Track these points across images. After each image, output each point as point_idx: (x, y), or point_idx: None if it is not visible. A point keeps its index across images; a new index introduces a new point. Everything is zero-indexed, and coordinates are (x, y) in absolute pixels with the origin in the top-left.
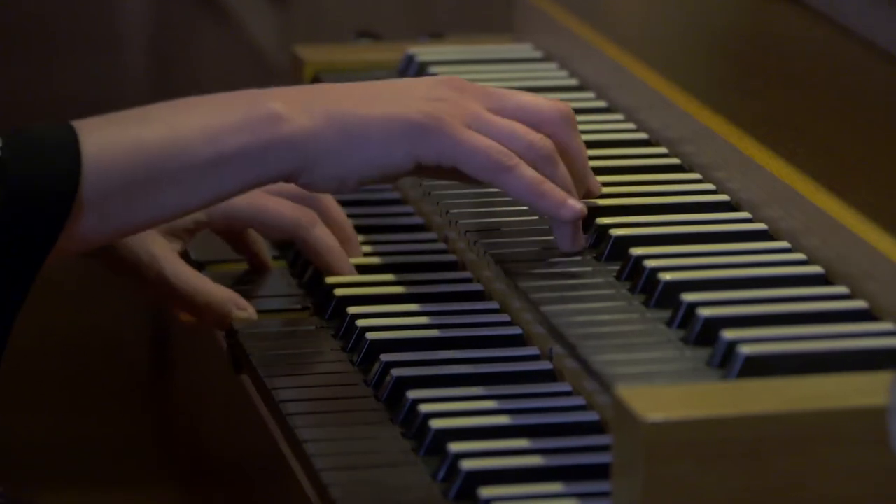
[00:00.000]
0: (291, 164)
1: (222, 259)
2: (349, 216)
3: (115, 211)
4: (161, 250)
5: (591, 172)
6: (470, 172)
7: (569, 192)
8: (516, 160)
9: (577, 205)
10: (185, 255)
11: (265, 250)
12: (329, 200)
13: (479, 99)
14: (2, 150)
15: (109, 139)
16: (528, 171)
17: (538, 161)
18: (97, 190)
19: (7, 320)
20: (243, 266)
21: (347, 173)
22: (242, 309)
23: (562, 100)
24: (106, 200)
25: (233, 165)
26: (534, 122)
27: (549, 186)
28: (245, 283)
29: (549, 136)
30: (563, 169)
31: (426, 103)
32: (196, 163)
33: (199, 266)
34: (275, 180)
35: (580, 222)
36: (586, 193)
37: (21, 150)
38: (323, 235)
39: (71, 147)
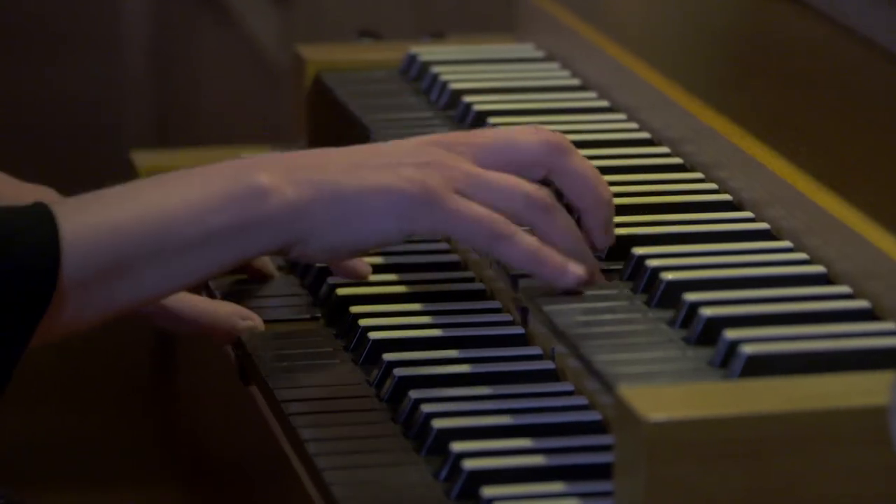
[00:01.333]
0: (279, 240)
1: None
2: None
3: (95, 297)
4: None
5: (604, 190)
6: (466, 243)
7: (573, 239)
8: (512, 229)
9: (576, 270)
10: None
11: (268, 261)
12: None
13: (467, 153)
14: None
15: (87, 221)
16: (526, 239)
17: (536, 213)
18: (77, 275)
19: None
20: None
21: (339, 246)
22: (247, 318)
23: (563, 100)
24: (86, 286)
25: (217, 244)
26: (526, 163)
27: (547, 253)
28: (248, 288)
29: (546, 173)
30: (563, 217)
31: (415, 171)
32: (180, 243)
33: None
34: (264, 254)
35: (591, 272)
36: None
37: None
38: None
39: (49, 231)
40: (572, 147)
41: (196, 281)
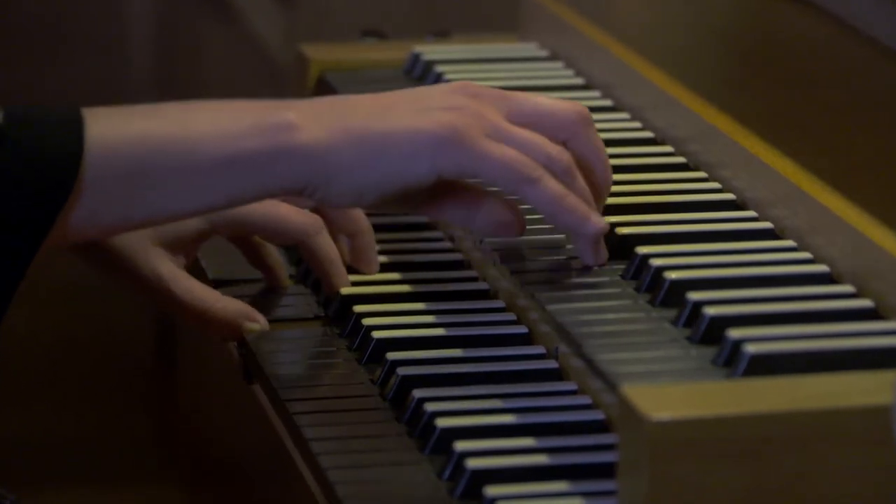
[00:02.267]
0: (304, 176)
1: (240, 278)
2: None
3: (113, 202)
4: (167, 269)
5: (610, 173)
6: (493, 184)
7: (588, 204)
8: (540, 172)
9: (599, 221)
10: (200, 274)
11: (282, 266)
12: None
13: (496, 106)
14: (4, 127)
15: (116, 127)
16: (553, 184)
17: (557, 174)
18: (98, 176)
19: (2, 303)
20: (259, 284)
21: (365, 188)
22: (254, 321)
23: (568, 99)
24: (105, 188)
25: (241, 169)
26: (550, 126)
27: (572, 200)
28: (253, 286)
29: (567, 139)
30: (581, 182)
31: (444, 114)
32: (203, 162)
33: (216, 285)
34: (286, 192)
35: (602, 237)
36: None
37: (22, 125)
38: (325, 245)
39: (75, 128)
40: (593, 122)
41: (213, 207)
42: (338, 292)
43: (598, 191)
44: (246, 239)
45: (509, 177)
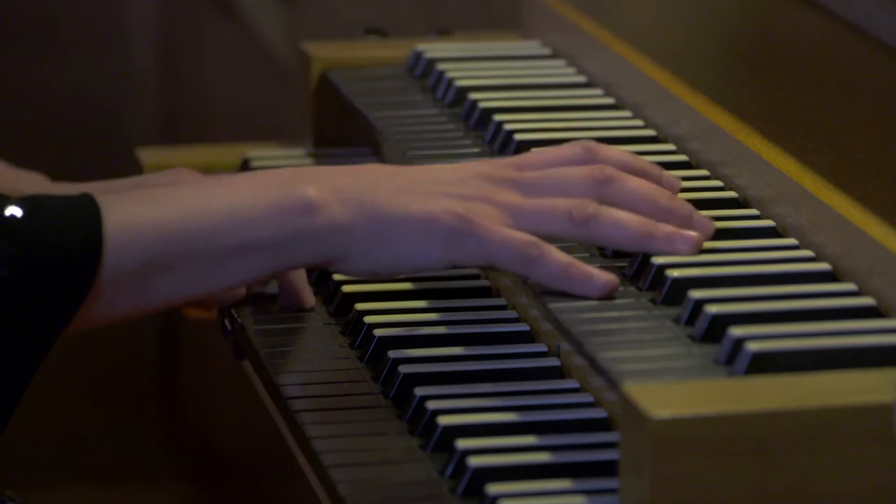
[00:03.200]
0: (321, 255)
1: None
2: None
3: (130, 291)
4: None
5: (663, 198)
6: (504, 269)
7: (645, 212)
8: (543, 249)
9: (603, 278)
10: None
11: (307, 287)
12: None
13: (510, 185)
14: (22, 222)
15: (132, 216)
16: (556, 257)
17: (585, 226)
18: (116, 267)
19: (15, 395)
20: None
21: (379, 267)
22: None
23: (569, 96)
24: (122, 280)
25: (258, 254)
26: (573, 195)
27: (576, 269)
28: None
29: (597, 200)
30: (608, 219)
31: (458, 202)
32: (219, 249)
33: None
34: (306, 266)
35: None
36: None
37: (41, 225)
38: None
39: (93, 222)
40: (617, 173)
41: (233, 286)
42: (340, 289)
43: (665, 220)
44: None
45: (515, 262)
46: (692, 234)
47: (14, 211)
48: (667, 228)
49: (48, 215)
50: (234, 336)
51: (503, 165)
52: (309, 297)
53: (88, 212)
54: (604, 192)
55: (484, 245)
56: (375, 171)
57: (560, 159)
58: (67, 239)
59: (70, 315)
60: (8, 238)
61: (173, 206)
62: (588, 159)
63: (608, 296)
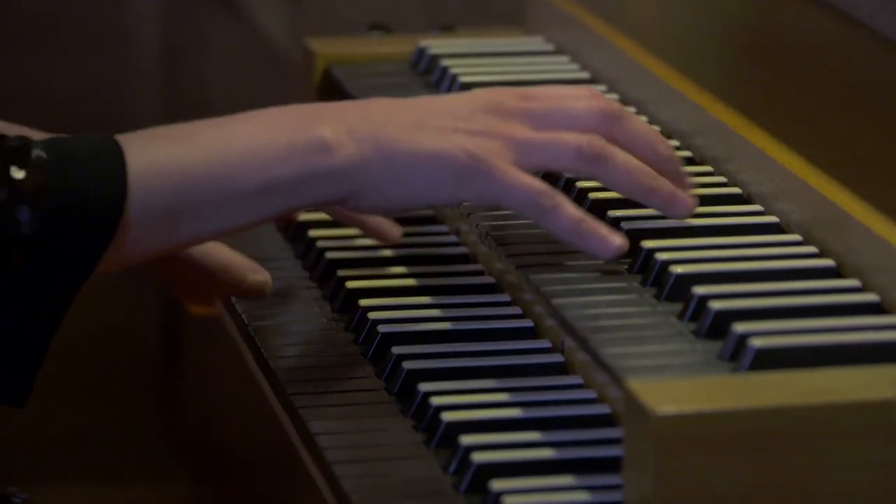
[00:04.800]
0: (338, 193)
1: None
2: None
3: (157, 231)
4: None
5: (665, 148)
6: (513, 210)
7: (638, 175)
8: (556, 200)
9: (616, 241)
10: None
11: (387, 224)
12: None
13: (523, 120)
14: (47, 166)
15: (155, 159)
16: (568, 211)
17: (590, 165)
18: (141, 210)
19: (47, 338)
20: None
21: (393, 203)
22: (259, 272)
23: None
24: (149, 221)
25: (279, 193)
26: (581, 128)
27: (588, 225)
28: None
29: (603, 136)
30: (619, 161)
31: (470, 139)
32: (241, 189)
33: None
34: (320, 205)
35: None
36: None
37: (66, 166)
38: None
39: (117, 163)
40: (625, 111)
41: (255, 224)
42: (345, 285)
43: (661, 169)
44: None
45: (526, 206)
46: (689, 199)
47: (39, 153)
48: (668, 187)
49: (73, 158)
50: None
51: (511, 95)
52: (392, 230)
53: (112, 154)
54: (612, 130)
55: (496, 186)
56: (386, 106)
57: (566, 93)
58: (93, 181)
59: (98, 257)
60: (35, 178)
61: (195, 146)
62: (592, 98)
63: (616, 254)
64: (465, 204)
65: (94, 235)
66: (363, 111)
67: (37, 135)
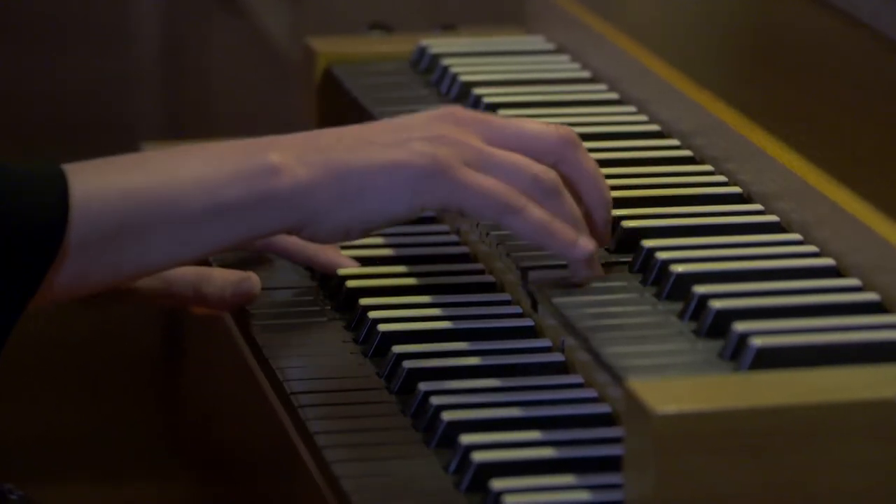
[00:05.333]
0: (290, 219)
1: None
2: None
3: (100, 259)
4: None
5: (607, 192)
6: (476, 216)
7: (576, 224)
8: (524, 201)
9: (587, 244)
10: None
11: (338, 252)
12: None
13: (478, 132)
14: None
15: (99, 184)
16: (536, 212)
17: (543, 195)
18: (83, 235)
19: None
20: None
21: (351, 224)
22: (245, 279)
23: (573, 92)
24: (91, 247)
25: (227, 218)
26: (535, 151)
27: (557, 226)
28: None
29: (554, 164)
30: (569, 201)
31: (425, 144)
32: (188, 214)
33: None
34: (274, 233)
35: (594, 255)
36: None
37: (5, 188)
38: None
39: (58, 188)
40: (581, 143)
41: (203, 254)
42: (345, 284)
43: (592, 212)
44: None
45: (491, 207)
46: (589, 247)
47: None
48: (572, 235)
49: (13, 182)
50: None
51: (468, 111)
52: (344, 261)
53: (54, 179)
54: (566, 156)
55: (459, 190)
56: (337, 131)
57: (524, 119)
58: (33, 206)
59: (36, 284)
60: None
61: (140, 173)
62: (551, 125)
63: (586, 259)
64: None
65: (34, 263)
66: (312, 138)
67: None
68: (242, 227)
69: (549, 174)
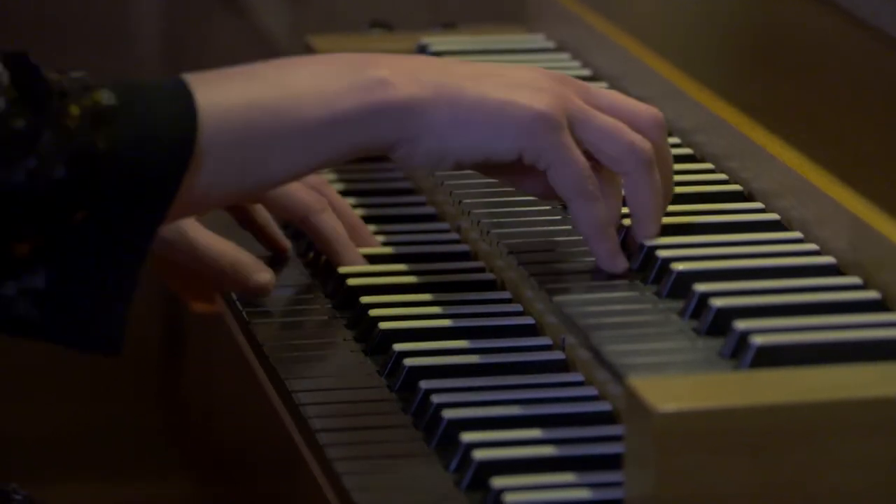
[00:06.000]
0: (397, 131)
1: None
2: (362, 206)
3: (227, 169)
4: (189, 222)
5: (673, 184)
6: (556, 183)
7: (657, 199)
8: (598, 194)
9: (623, 264)
10: None
11: (276, 227)
12: (333, 189)
13: (579, 94)
14: (116, 100)
15: (222, 95)
16: (604, 210)
17: (638, 164)
18: (211, 145)
19: (131, 278)
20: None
21: (448, 152)
22: (263, 272)
23: None
24: (219, 156)
25: (345, 128)
26: (633, 124)
27: (612, 233)
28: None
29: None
30: (656, 176)
31: (537, 94)
32: (308, 124)
33: None
34: (381, 147)
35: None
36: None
37: (135, 102)
38: (331, 221)
39: (186, 100)
40: (667, 128)
41: (320, 165)
42: (345, 283)
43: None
44: (241, 202)
45: (575, 183)
46: (624, 266)
47: (108, 97)
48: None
49: (142, 98)
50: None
51: (572, 78)
52: (285, 242)
53: (181, 93)
54: (659, 141)
55: (556, 150)
56: (443, 61)
57: (625, 96)
58: (163, 119)
59: (171, 195)
60: (105, 125)
61: (259, 84)
62: (650, 106)
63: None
64: (437, 173)
65: (168, 169)
66: (420, 60)
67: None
68: (356, 137)
69: (646, 144)
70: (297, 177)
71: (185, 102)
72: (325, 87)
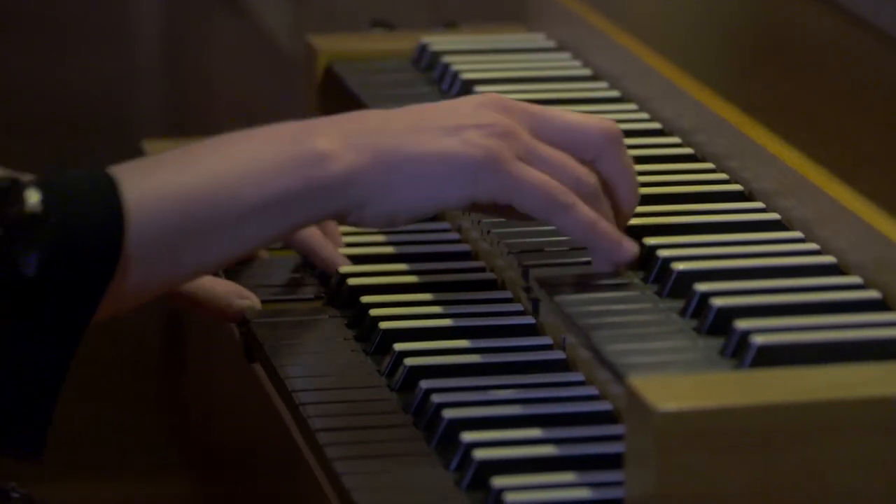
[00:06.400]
0: (339, 204)
1: None
2: None
3: (159, 264)
4: None
5: (637, 193)
6: (526, 210)
7: (605, 228)
8: (573, 199)
9: (631, 246)
10: None
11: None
12: None
13: (524, 122)
14: (41, 205)
15: (150, 187)
16: (585, 211)
17: (583, 198)
18: (141, 243)
19: (54, 386)
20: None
21: (398, 211)
22: (245, 298)
23: (574, 89)
24: (150, 253)
25: (279, 209)
26: (578, 143)
27: (605, 226)
28: (256, 274)
29: (594, 158)
30: (606, 205)
31: (476, 136)
32: (241, 209)
33: None
34: (323, 220)
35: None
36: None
37: (60, 204)
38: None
39: (112, 197)
40: (622, 138)
41: (254, 248)
42: (346, 282)
43: (620, 212)
44: None
45: (542, 203)
46: (631, 247)
47: (33, 203)
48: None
49: (68, 197)
50: (245, 337)
51: (517, 101)
52: (341, 260)
53: (106, 188)
54: (611, 154)
55: (511, 184)
56: (382, 114)
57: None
58: (89, 220)
59: (98, 298)
60: (28, 238)
61: (189, 171)
62: (598, 118)
63: (624, 262)
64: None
65: (96, 270)
66: (357, 120)
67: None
68: (294, 216)
69: (591, 178)
70: (236, 259)
71: (112, 204)
72: (257, 170)
